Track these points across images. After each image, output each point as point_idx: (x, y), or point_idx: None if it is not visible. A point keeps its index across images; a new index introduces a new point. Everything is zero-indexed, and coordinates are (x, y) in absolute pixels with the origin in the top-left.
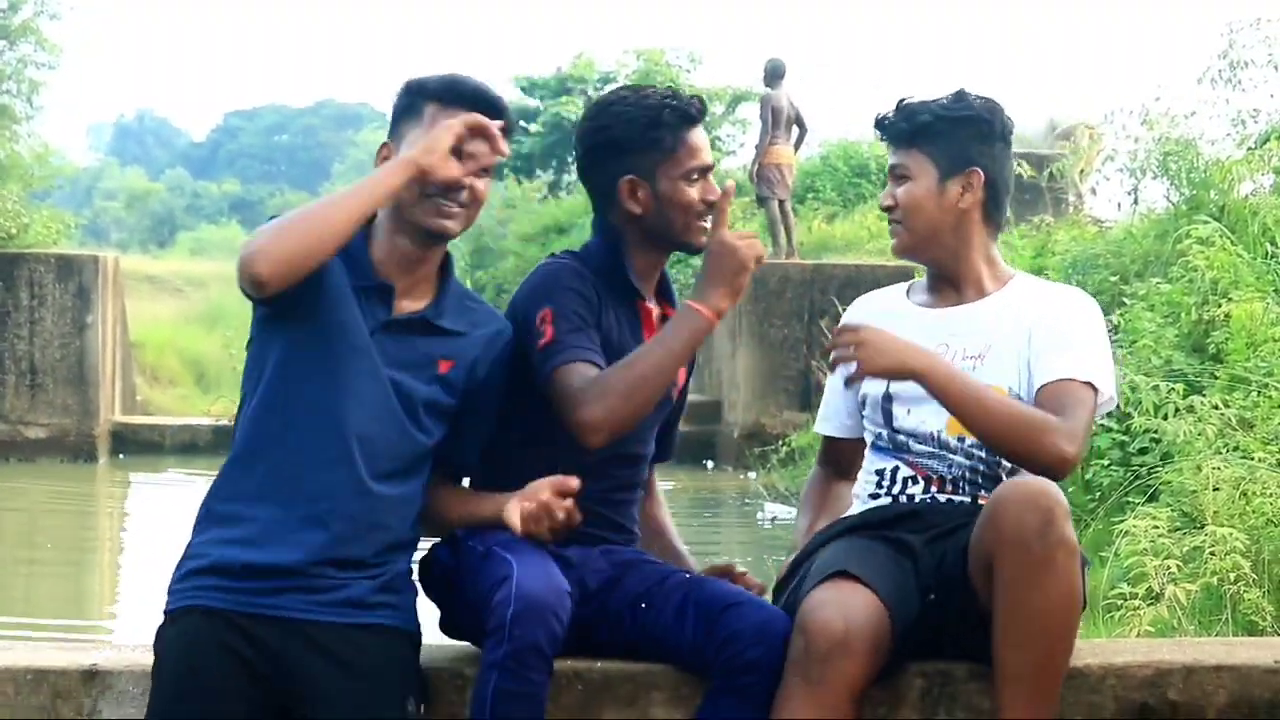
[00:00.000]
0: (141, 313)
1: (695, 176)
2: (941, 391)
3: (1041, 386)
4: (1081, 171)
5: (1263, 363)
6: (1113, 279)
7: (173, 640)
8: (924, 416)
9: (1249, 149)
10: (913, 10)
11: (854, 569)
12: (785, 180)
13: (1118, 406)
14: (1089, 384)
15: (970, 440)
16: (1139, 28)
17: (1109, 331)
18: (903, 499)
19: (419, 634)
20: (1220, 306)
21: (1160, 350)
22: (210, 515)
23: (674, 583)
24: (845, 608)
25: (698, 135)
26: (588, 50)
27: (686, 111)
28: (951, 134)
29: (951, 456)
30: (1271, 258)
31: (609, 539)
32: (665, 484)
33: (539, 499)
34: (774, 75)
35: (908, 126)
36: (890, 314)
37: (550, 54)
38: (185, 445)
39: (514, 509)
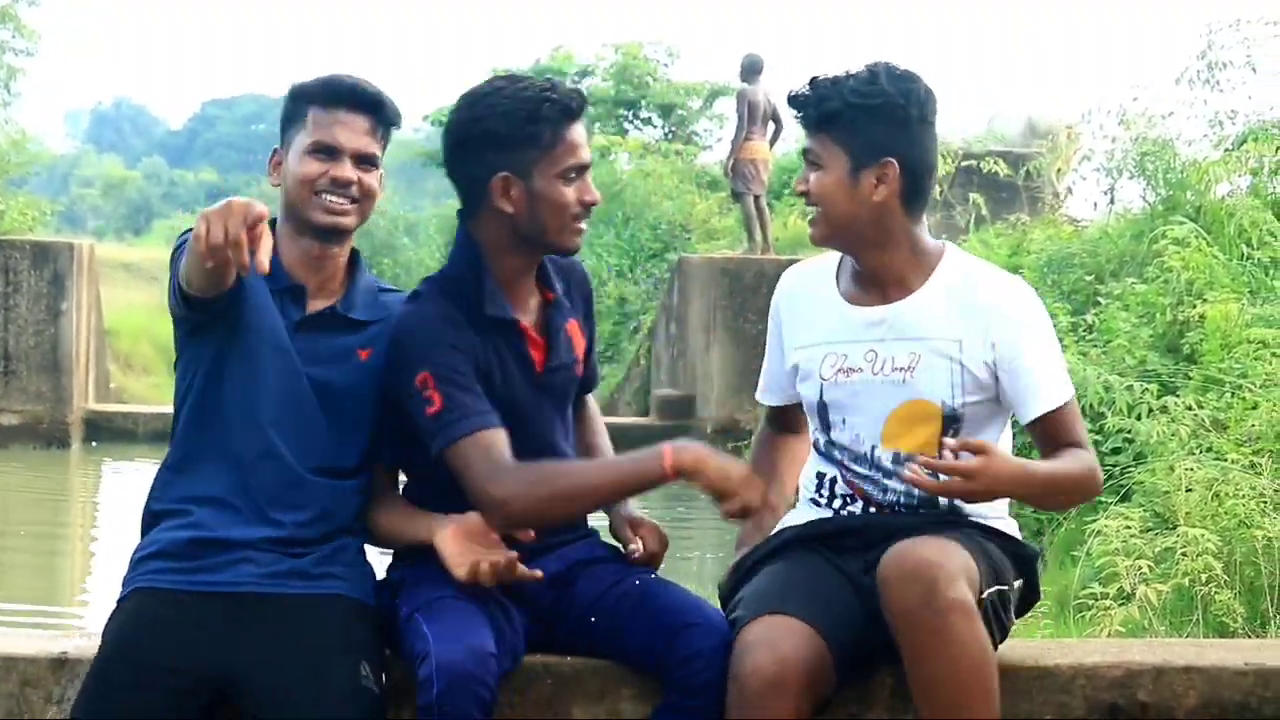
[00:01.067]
0: (116, 300)
1: (573, 175)
2: (1037, 497)
3: (1034, 421)
4: (1059, 171)
5: (1237, 364)
6: (1088, 278)
7: (112, 623)
8: (858, 430)
9: (1226, 150)
10: (891, 7)
11: (790, 603)
12: (761, 176)
13: (1090, 406)
14: (1068, 402)
15: (904, 456)
16: (1117, 28)
17: (1084, 331)
18: (844, 513)
19: (373, 605)
20: (1195, 307)
21: (1135, 350)
22: (156, 515)
23: (624, 589)
24: (777, 648)
25: (577, 131)
26: (566, 43)
27: (567, 105)
28: (863, 122)
29: (887, 483)
30: (1247, 259)
31: (556, 539)
32: None
33: (489, 561)
34: (751, 71)
35: (816, 112)
36: (818, 302)
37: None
38: (158, 433)
39: (453, 550)
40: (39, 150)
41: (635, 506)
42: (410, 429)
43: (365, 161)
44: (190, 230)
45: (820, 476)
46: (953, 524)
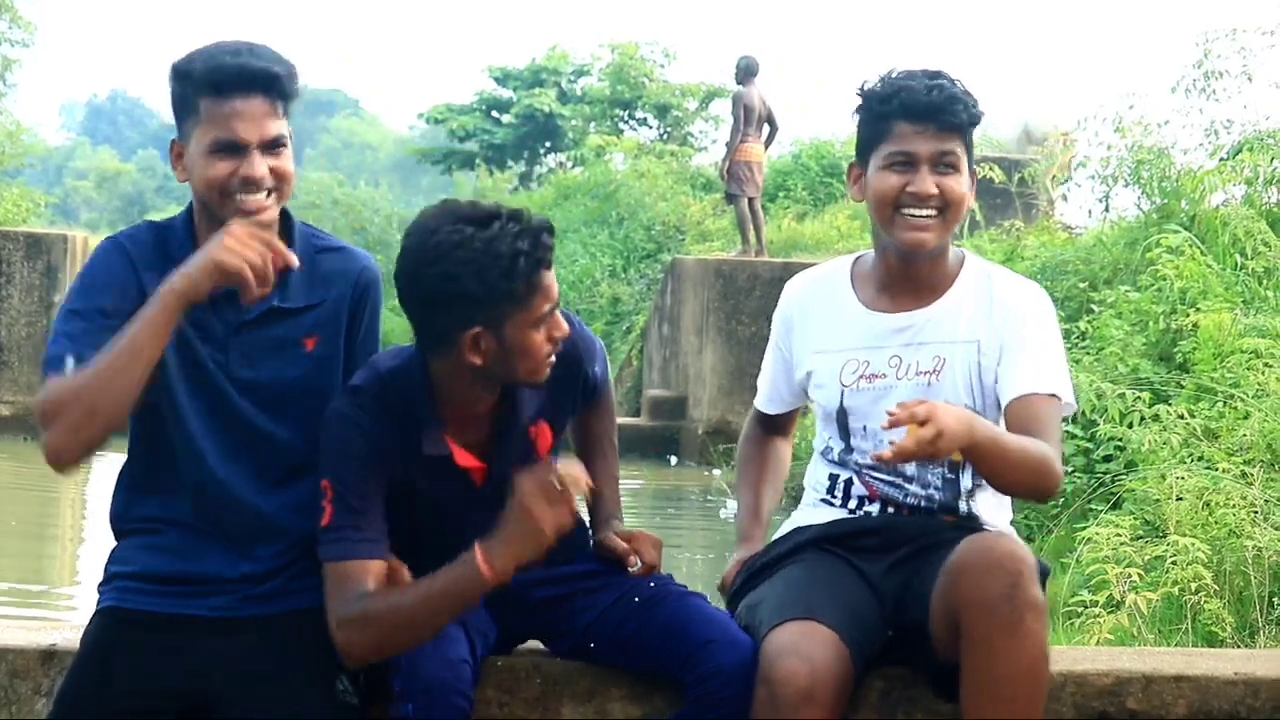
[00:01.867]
0: None
1: (545, 319)
2: (985, 455)
3: (1011, 402)
4: (1053, 178)
5: (1229, 373)
6: (1081, 285)
7: (91, 636)
8: (881, 437)
9: (1221, 159)
10: (888, 11)
11: (818, 609)
12: (755, 178)
13: (1082, 413)
14: (1053, 396)
15: (929, 468)
16: (1114, 36)
17: (1077, 338)
18: (859, 513)
19: None
20: (1188, 316)
21: (1127, 358)
22: (123, 531)
23: (628, 604)
24: (810, 657)
25: (549, 275)
26: (562, 42)
27: (541, 258)
28: (974, 130)
29: (908, 486)
30: (1241, 269)
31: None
32: (629, 481)
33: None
34: (747, 73)
35: (967, 116)
36: (836, 310)
37: (524, 45)
38: None
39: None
40: (33, 142)
41: (620, 518)
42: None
43: (272, 146)
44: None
45: (833, 478)
46: (970, 530)
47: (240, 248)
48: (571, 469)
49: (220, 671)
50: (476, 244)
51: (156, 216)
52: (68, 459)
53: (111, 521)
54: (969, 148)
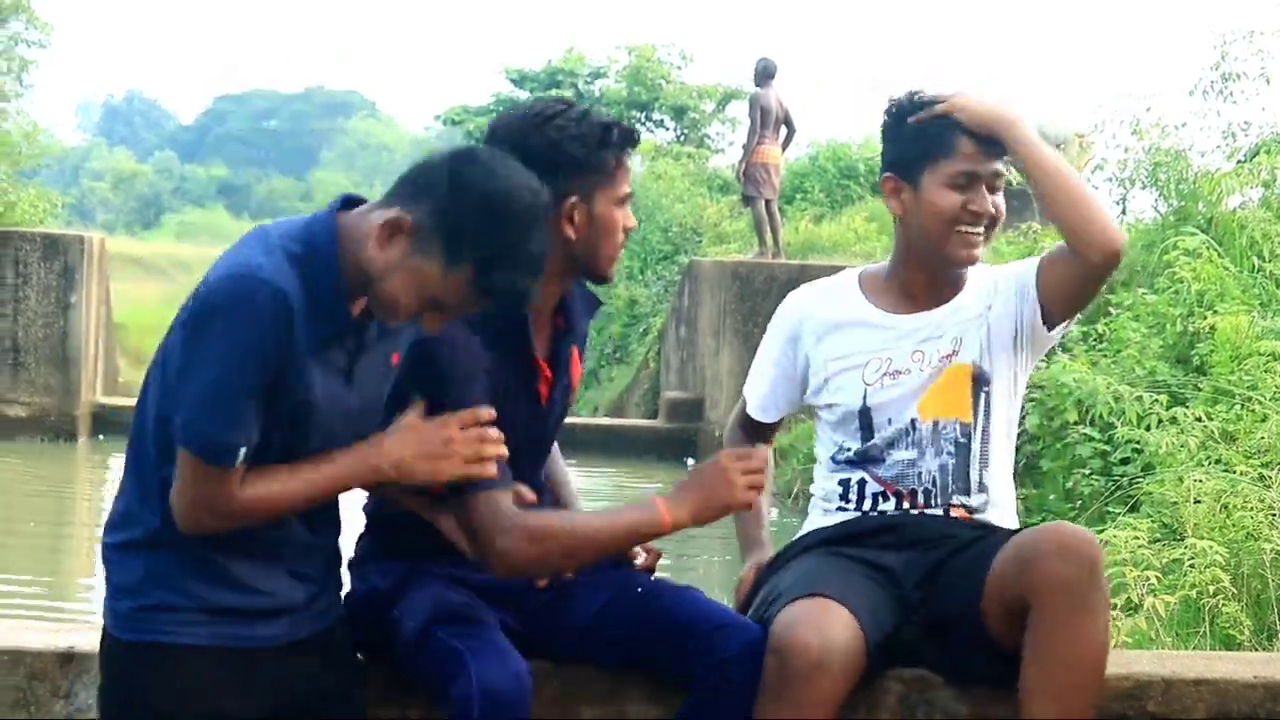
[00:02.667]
0: (126, 294)
1: (625, 200)
2: (1027, 146)
3: (1041, 265)
4: None
5: (1247, 376)
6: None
7: (146, 679)
8: (905, 416)
9: (1239, 162)
10: (905, 14)
11: (828, 589)
12: (773, 180)
13: (1099, 415)
14: None
15: (946, 427)
16: (1130, 38)
17: (1094, 340)
18: (874, 513)
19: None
20: (1206, 319)
21: (1144, 361)
22: (181, 548)
23: (631, 597)
24: (820, 626)
25: (631, 161)
26: (578, 44)
27: (631, 133)
28: None
29: (921, 463)
30: (1258, 271)
31: None
32: (646, 484)
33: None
34: (764, 75)
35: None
36: (852, 319)
37: (541, 47)
38: None
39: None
40: (50, 142)
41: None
42: None
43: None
44: None
45: (844, 484)
46: (986, 532)
47: (452, 449)
48: (766, 454)
49: (285, 696)
50: (574, 114)
51: (177, 219)
52: (203, 532)
53: (148, 533)
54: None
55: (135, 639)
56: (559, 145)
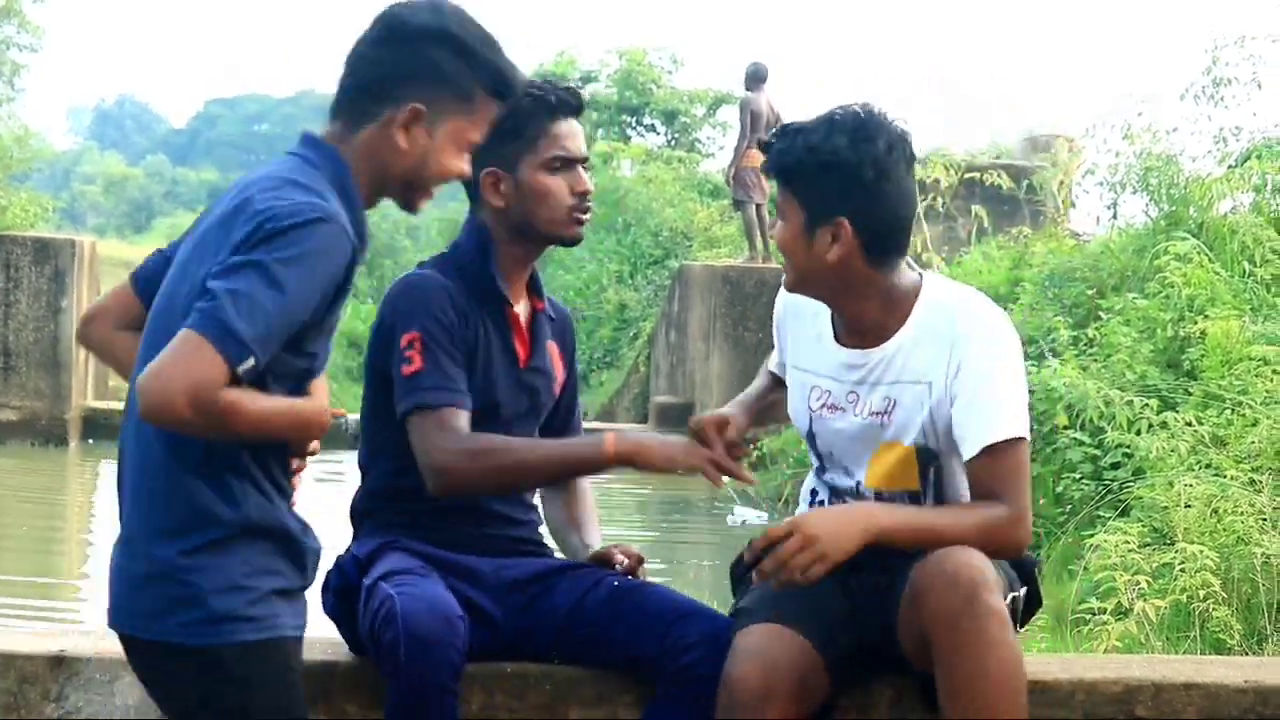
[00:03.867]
0: None
1: (558, 166)
2: (901, 542)
3: (974, 457)
4: (1060, 183)
5: (1237, 380)
6: (1089, 292)
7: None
8: (845, 463)
9: (1230, 167)
10: (896, 19)
11: (783, 611)
12: (762, 184)
13: (1090, 420)
14: (1015, 440)
15: (892, 496)
16: (1121, 43)
17: (1084, 345)
18: None
19: None
20: (1196, 323)
21: (1135, 365)
22: (269, 535)
23: (604, 591)
24: (765, 658)
25: (563, 125)
26: (570, 48)
27: (545, 99)
28: (816, 180)
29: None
30: (1249, 276)
31: (513, 532)
32: (636, 489)
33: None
34: (755, 79)
35: (775, 164)
36: (812, 334)
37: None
38: None
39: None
40: (41, 146)
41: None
42: (384, 385)
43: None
44: None
45: (813, 493)
46: None
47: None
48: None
49: None
50: None
51: (169, 223)
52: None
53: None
54: (797, 195)
55: (257, 638)
56: None
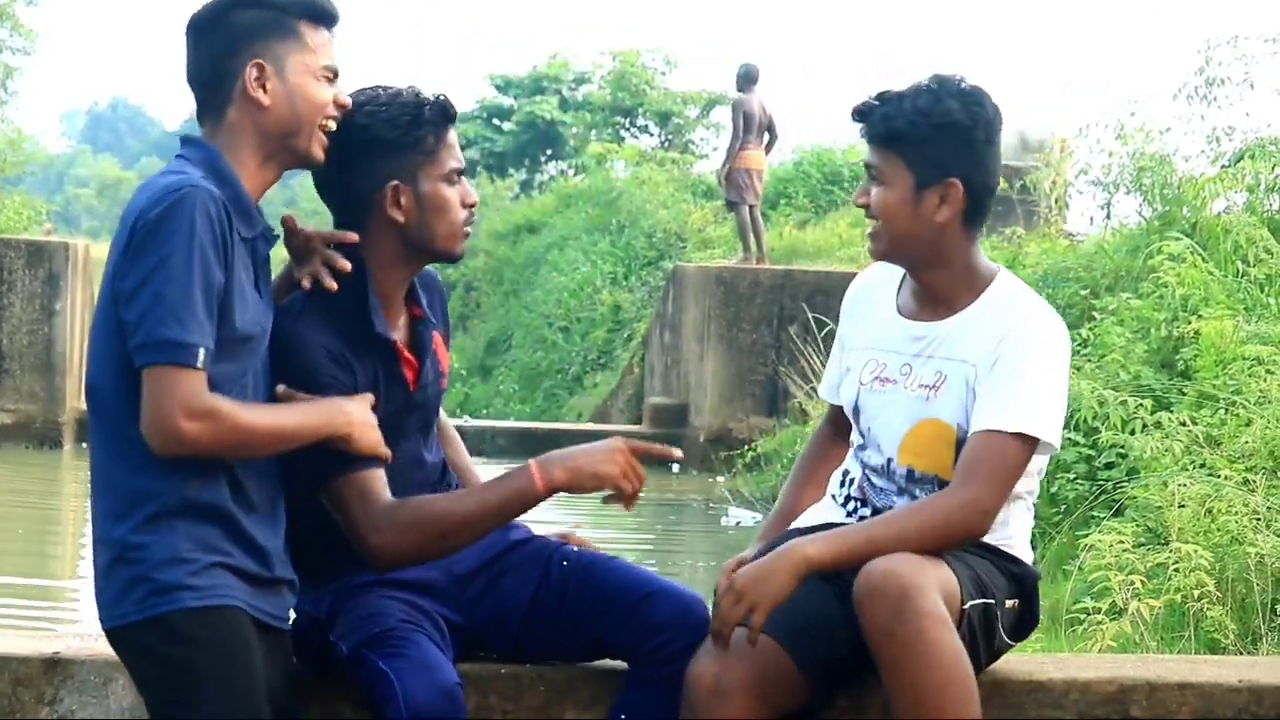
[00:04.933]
0: None
1: (455, 179)
2: (839, 566)
3: (974, 433)
4: (1053, 183)
5: (1231, 380)
6: (1083, 293)
7: (209, 632)
8: (879, 441)
9: (1223, 166)
10: (888, 19)
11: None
12: (755, 186)
13: (1084, 420)
14: (1019, 435)
15: (922, 478)
16: (1114, 43)
17: (1078, 345)
18: (853, 518)
19: None
20: (1190, 323)
21: (1129, 366)
22: (208, 513)
23: (558, 576)
24: (721, 657)
25: (454, 134)
26: (563, 50)
27: (445, 109)
28: (929, 141)
29: (895, 499)
30: (1242, 276)
31: None
32: None
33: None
34: (747, 80)
35: (883, 128)
36: (876, 309)
37: (525, 53)
38: None
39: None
40: (35, 150)
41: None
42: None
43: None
44: None
45: (845, 474)
46: None
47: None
48: (670, 450)
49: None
50: (383, 98)
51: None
52: (188, 451)
53: (172, 501)
54: (906, 158)
55: (200, 604)
56: (370, 129)
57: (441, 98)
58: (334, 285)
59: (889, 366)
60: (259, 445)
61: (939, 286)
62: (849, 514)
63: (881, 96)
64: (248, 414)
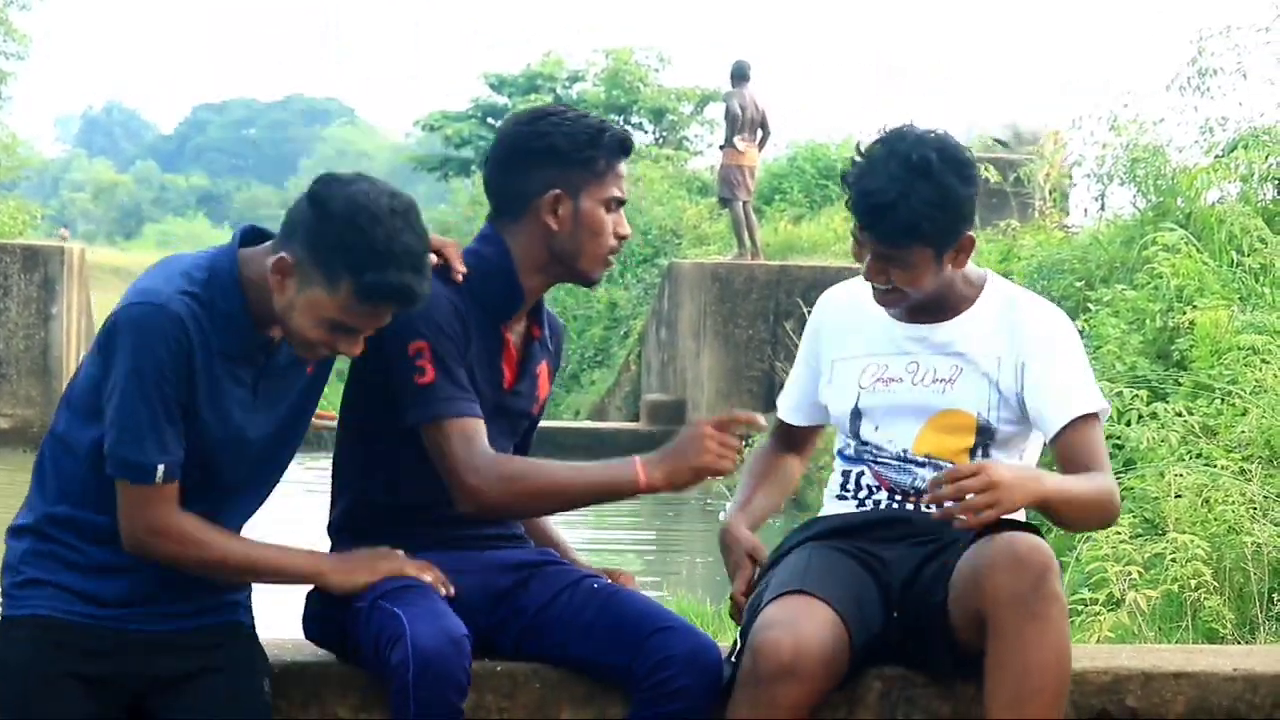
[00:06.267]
0: (107, 304)
1: (614, 206)
2: (1059, 507)
3: (1059, 434)
4: (1046, 175)
5: (1226, 370)
6: (1078, 284)
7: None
8: (892, 435)
9: (1216, 157)
10: (878, 14)
11: (811, 584)
12: (747, 182)
13: None
14: (1095, 413)
15: (940, 459)
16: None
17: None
18: (869, 504)
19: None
20: (1185, 314)
21: (1125, 357)
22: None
23: (583, 592)
24: (795, 628)
25: (624, 167)
26: (557, 48)
27: (624, 140)
28: (948, 223)
29: (917, 470)
30: (1237, 266)
31: (497, 542)
32: None
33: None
34: (739, 76)
35: (903, 231)
36: (862, 318)
37: (519, 51)
38: None
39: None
40: (29, 154)
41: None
42: (380, 397)
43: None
44: None
45: (845, 475)
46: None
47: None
48: (754, 416)
49: (149, 683)
50: (570, 114)
51: (158, 229)
52: (149, 557)
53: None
54: (925, 243)
55: (13, 614)
56: (548, 137)
57: (624, 131)
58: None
59: (891, 367)
60: (229, 569)
61: (938, 302)
62: (861, 501)
63: (873, 203)
64: (217, 540)
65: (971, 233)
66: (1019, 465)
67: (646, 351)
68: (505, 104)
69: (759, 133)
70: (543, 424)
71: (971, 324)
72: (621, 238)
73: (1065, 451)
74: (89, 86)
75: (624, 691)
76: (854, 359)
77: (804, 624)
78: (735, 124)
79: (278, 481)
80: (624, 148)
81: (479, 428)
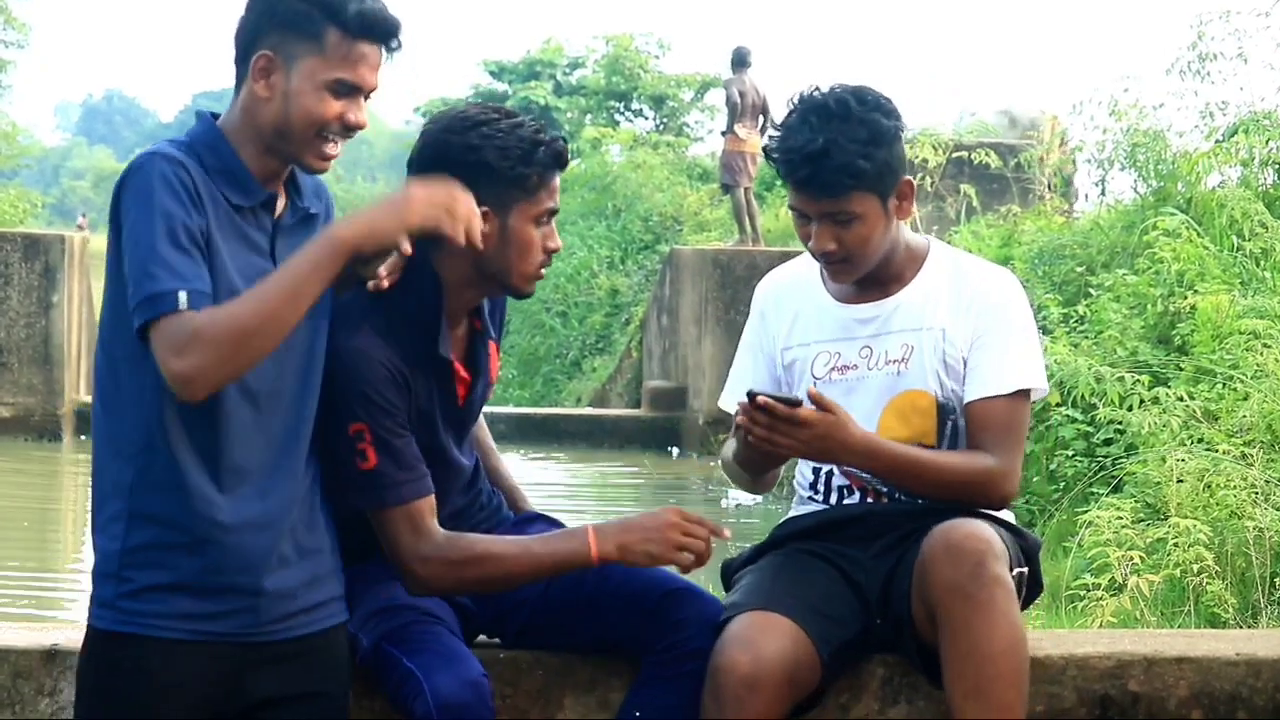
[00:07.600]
0: None
1: (545, 220)
2: (882, 464)
3: (971, 403)
4: (1041, 159)
5: (1228, 355)
6: (1079, 269)
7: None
8: (850, 410)
9: (1217, 141)
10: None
11: (775, 600)
12: (749, 168)
13: (1081, 396)
14: (1020, 393)
15: (911, 443)
16: (1109, 19)
17: (1075, 322)
18: (841, 505)
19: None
20: (1186, 298)
21: (1126, 341)
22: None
23: (576, 573)
24: (755, 643)
25: (557, 179)
26: (556, 35)
27: (560, 154)
28: (885, 162)
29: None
30: (1238, 250)
31: (485, 523)
32: (630, 469)
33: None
34: (739, 62)
35: (847, 178)
36: (806, 305)
37: (519, 38)
38: None
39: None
40: (30, 143)
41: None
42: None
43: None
44: None
45: (815, 472)
46: (950, 512)
47: (435, 198)
48: (723, 529)
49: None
50: (502, 125)
51: None
52: (201, 388)
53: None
54: (871, 190)
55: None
56: (479, 151)
57: (560, 142)
58: (386, 285)
59: (844, 355)
60: (253, 336)
61: (885, 270)
62: (834, 505)
63: (812, 153)
64: (229, 311)
65: (909, 177)
66: (853, 424)
67: (648, 338)
68: (505, 90)
69: (760, 119)
70: (545, 412)
71: (919, 294)
72: (551, 251)
73: (971, 424)
74: (89, 75)
75: (626, 676)
76: (806, 346)
77: (763, 639)
78: (736, 110)
79: (315, 406)
80: (559, 161)
81: (425, 508)
